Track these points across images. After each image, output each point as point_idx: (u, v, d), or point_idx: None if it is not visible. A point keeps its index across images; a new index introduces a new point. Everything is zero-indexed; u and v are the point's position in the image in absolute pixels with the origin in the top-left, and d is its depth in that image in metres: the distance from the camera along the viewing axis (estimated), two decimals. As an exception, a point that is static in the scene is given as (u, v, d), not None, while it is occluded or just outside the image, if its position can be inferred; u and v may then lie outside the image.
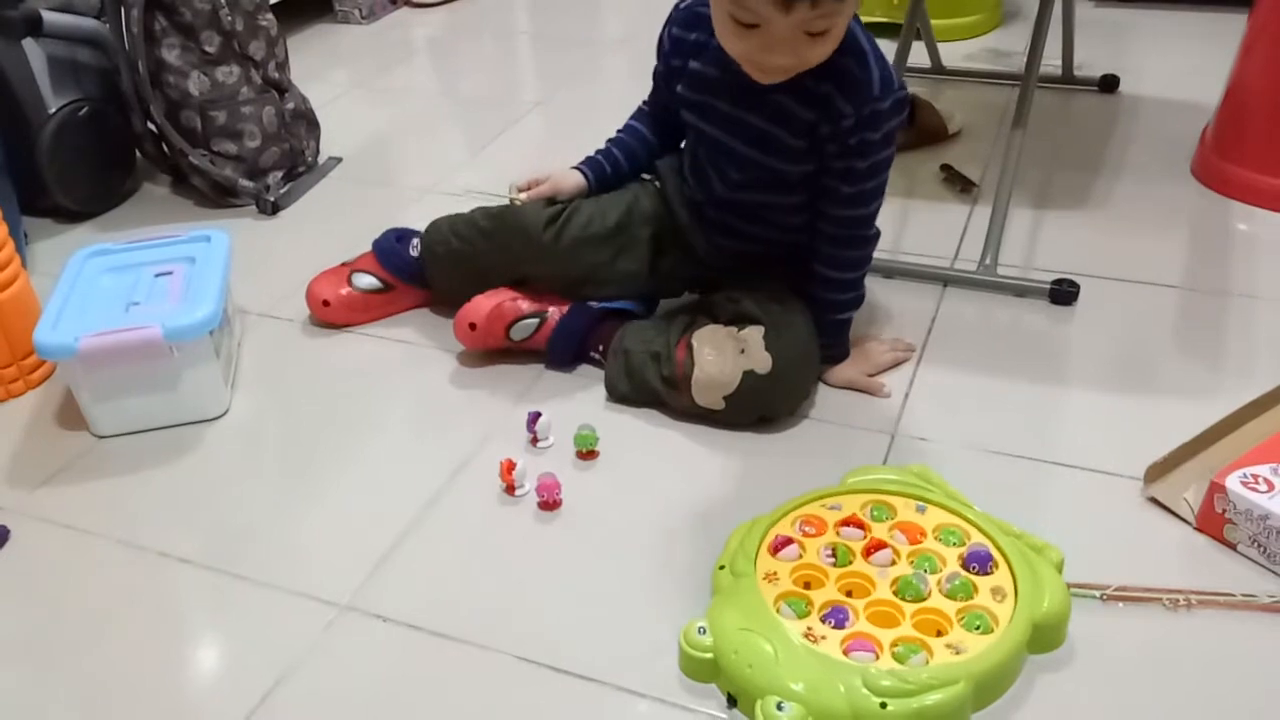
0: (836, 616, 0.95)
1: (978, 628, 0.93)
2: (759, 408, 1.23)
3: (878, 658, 0.91)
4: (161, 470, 1.23)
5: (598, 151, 1.41)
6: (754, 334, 1.22)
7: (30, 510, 1.18)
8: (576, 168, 1.38)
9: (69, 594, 1.08)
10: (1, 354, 1.34)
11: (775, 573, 1.00)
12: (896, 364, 1.33)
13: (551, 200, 1.35)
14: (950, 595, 0.96)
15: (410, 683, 0.96)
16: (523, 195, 1.36)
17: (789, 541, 1.02)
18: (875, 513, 1.06)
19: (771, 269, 1.31)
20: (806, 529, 1.05)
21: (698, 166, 1.31)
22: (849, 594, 0.98)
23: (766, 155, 1.22)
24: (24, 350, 1.34)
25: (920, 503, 1.05)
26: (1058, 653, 0.95)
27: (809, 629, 0.94)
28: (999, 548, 1.00)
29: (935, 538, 1.02)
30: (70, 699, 0.97)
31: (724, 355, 1.21)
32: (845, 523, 1.04)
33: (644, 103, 1.42)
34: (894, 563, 1.00)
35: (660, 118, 1.38)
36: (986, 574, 0.97)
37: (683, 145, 1.36)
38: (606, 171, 1.38)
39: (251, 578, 1.08)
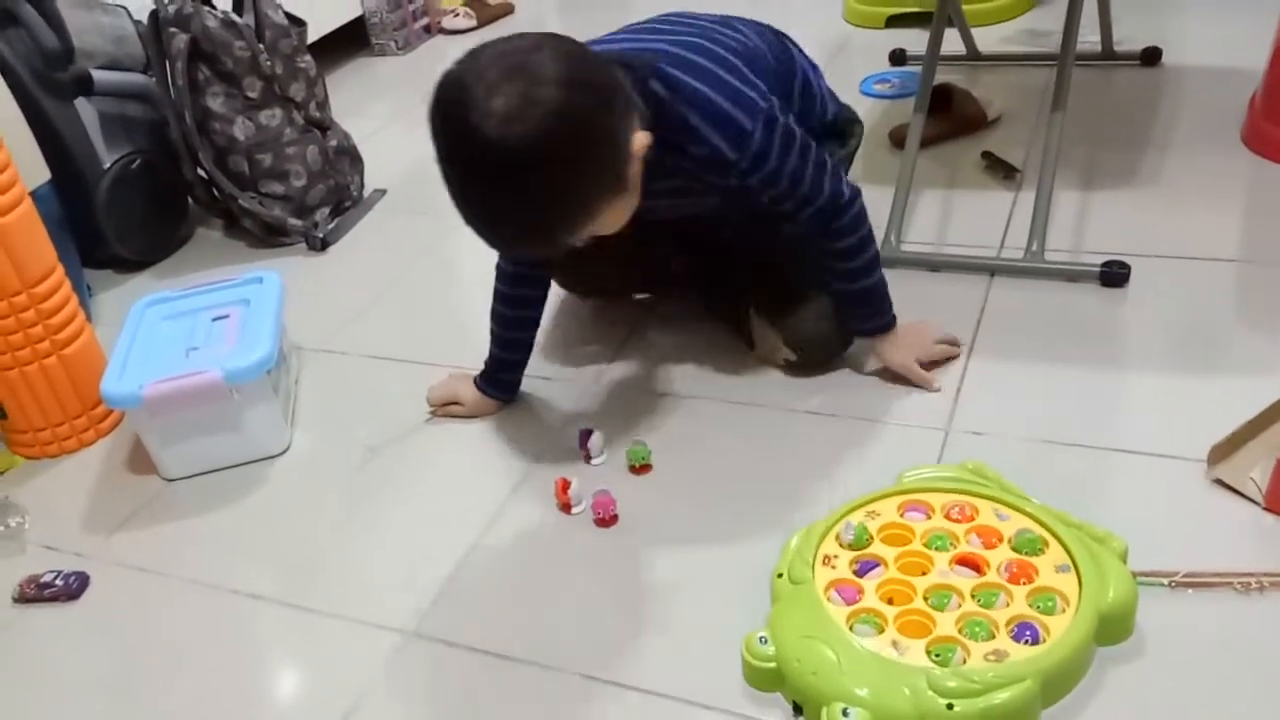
0: (864, 568, 1.00)
1: (938, 657, 0.90)
2: (829, 356, 1.34)
3: (845, 605, 0.96)
4: (229, 509, 1.27)
5: (503, 359, 1.34)
6: (765, 332, 1.34)
7: (107, 555, 1.22)
8: (489, 394, 1.35)
9: (147, 634, 1.12)
10: (72, 405, 1.39)
11: (878, 512, 1.05)
12: (946, 357, 1.32)
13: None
14: (962, 629, 0.93)
15: (479, 706, 0.98)
16: (439, 413, 1.37)
17: (922, 509, 1.05)
18: (1019, 541, 0.99)
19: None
20: (954, 513, 1.04)
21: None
22: (922, 573, 0.98)
23: (691, 201, 1.25)
24: (93, 400, 1.39)
25: (1066, 563, 0.97)
26: (1127, 644, 0.94)
27: (829, 555, 1.01)
28: (1060, 540, 0.99)
29: (1030, 596, 0.94)
30: (155, 737, 1.00)
31: (764, 340, 1.35)
32: (979, 532, 1.02)
33: (509, 287, 1.31)
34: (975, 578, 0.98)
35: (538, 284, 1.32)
36: (1020, 642, 0.90)
37: None
38: (515, 382, 1.37)
39: (320, 610, 1.11)
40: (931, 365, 1.30)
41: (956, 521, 1.03)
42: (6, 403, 1.37)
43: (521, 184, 0.95)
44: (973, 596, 0.96)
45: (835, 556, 1.01)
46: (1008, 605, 0.95)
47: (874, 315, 1.28)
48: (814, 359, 1.33)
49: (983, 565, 0.99)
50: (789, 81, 1.28)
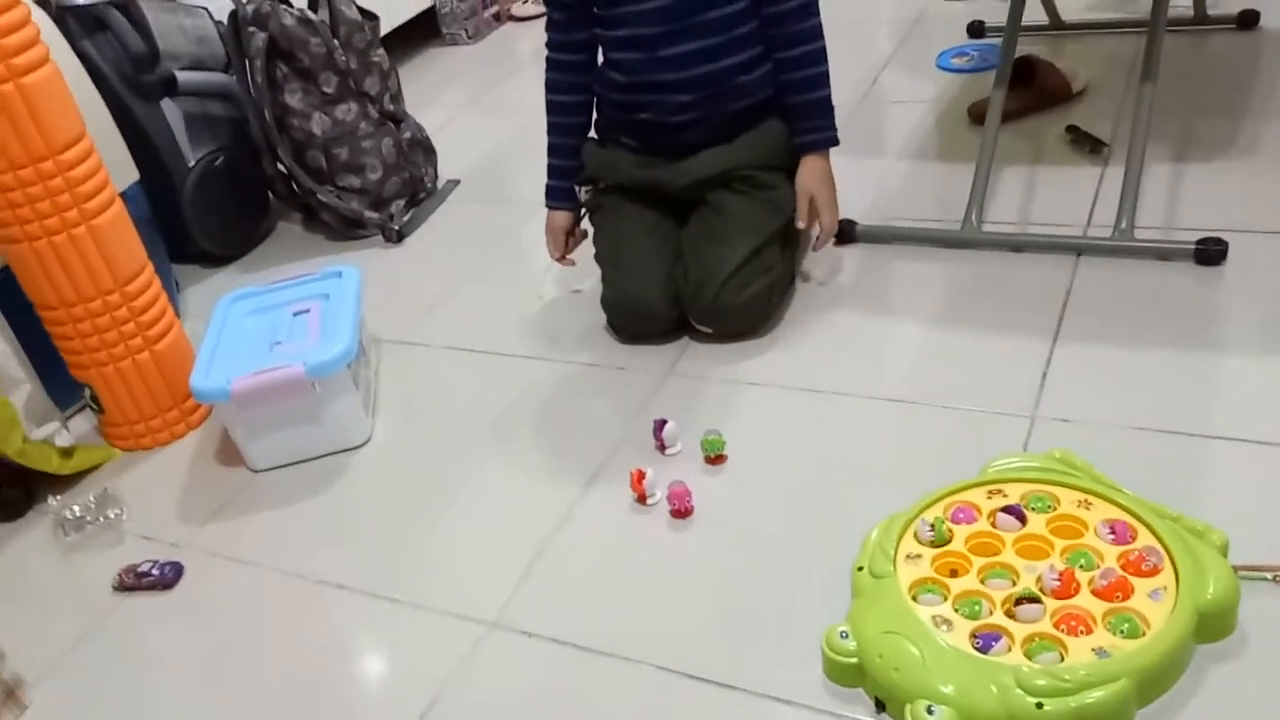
0: (1009, 509, 1.02)
1: (913, 589, 0.95)
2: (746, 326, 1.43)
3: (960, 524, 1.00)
4: (313, 500, 1.30)
5: (556, 165, 1.52)
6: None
7: (199, 545, 1.26)
8: (557, 207, 1.53)
9: (239, 622, 1.15)
10: (164, 398, 1.43)
11: (1091, 503, 1.02)
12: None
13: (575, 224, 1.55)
14: (958, 600, 0.94)
15: (558, 697, 0.98)
16: (570, 259, 1.55)
17: (1125, 531, 0.97)
18: (1115, 620, 0.91)
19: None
20: (1138, 563, 0.94)
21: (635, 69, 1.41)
22: (1031, 556, 0.98)
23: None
24: (184, 394, 1.43)
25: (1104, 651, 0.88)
26: (1228, 641, 0.90)
27: (997, 489, 1.05)
28: (1155, 533, 0.95)
29: (1028, 641, 0.90)
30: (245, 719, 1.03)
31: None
32: (1111, 579, 0.93)
33: (557, 53, 1.48)
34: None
35: (580, 53, 1.47)
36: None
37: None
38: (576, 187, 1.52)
39: (403, 600, 1.12)
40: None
41: (1125, 565, 0.94)
42: (103, 397, 1.41)
43: None
44: (1009, 598, 0.93)
45: (1003, 492, 1.04)
46: (1031, 623, 0.90)
47: (825, 127, 1.41)
48: (727, 330, 1.41)
49: (1071, 592, 0.93)
50: None
